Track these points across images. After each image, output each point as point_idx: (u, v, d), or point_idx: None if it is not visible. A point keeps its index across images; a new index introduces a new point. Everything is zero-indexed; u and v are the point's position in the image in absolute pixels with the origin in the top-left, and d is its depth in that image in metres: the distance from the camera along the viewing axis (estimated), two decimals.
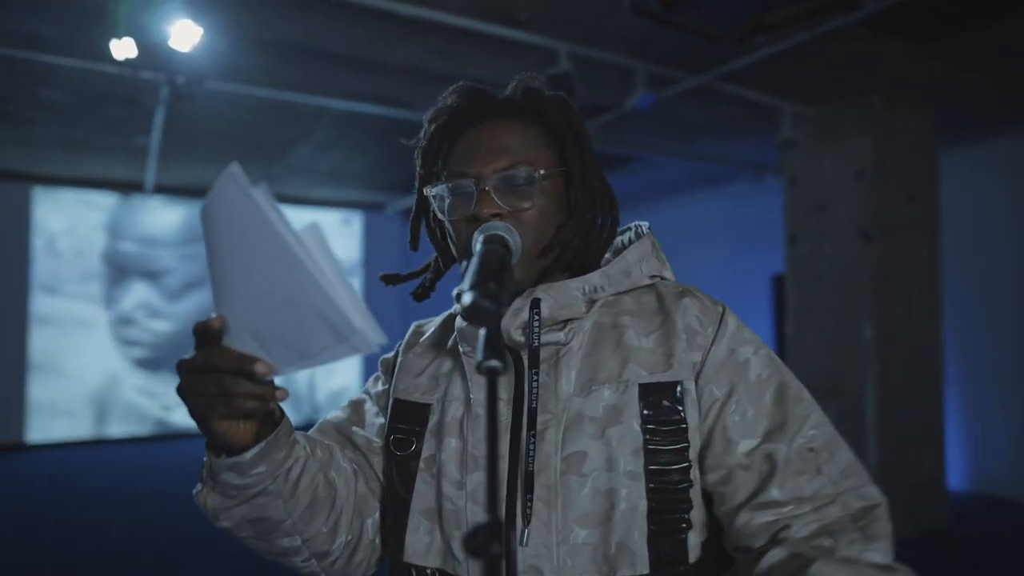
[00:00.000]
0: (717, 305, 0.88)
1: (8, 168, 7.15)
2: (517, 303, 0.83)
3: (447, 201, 0.86)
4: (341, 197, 8.74)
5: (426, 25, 3.51)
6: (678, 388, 0.81)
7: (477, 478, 0.81)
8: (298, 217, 9.09)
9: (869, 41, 3.66)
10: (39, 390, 7.63)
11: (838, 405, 4.58)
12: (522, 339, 0.82)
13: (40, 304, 7.70)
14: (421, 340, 0.97)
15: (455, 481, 0.82)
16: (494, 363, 0.58)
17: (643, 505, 0.77)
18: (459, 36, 3.69)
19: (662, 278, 0.92)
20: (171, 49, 3.14)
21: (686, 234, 8.21)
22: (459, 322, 0.87)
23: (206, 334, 0.67)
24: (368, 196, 8.85)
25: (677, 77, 4.14)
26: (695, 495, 0.80)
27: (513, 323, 0.82)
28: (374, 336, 0.63)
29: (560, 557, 0.77)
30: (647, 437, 0.79)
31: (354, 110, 4.81)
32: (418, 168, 0.92)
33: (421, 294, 0.97)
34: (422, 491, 0.84)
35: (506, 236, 0.78)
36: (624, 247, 0.94)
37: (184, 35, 3.07)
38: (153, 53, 3.33)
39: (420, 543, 0.83)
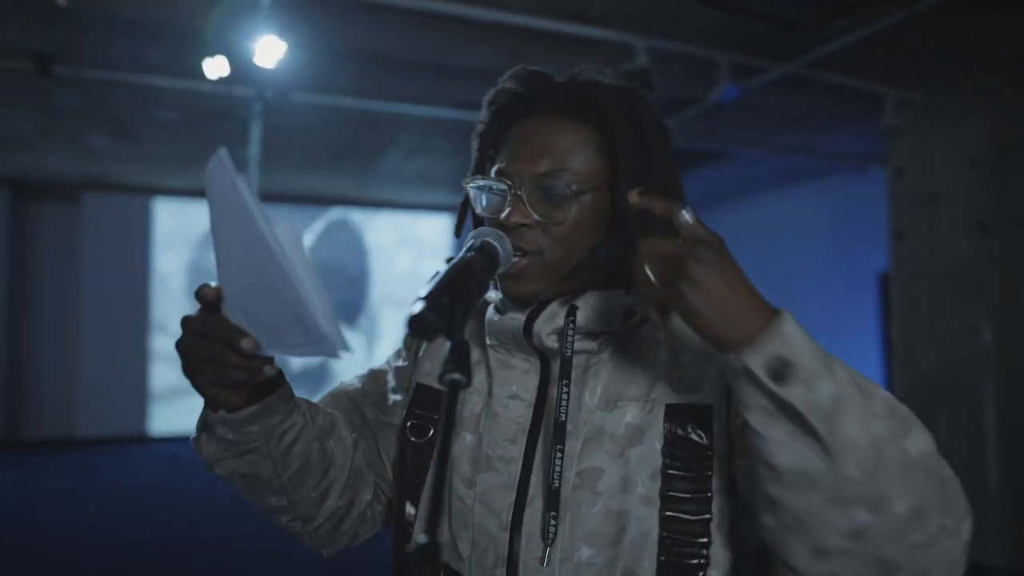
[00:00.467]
0: None
1: (131, 182, 7.82)
2: (552, 308, 0.80)
3: (485, 197, 0.83)
4: (432, 200, 8.94)
5: (497, 27, 3.51)
6: (707, 413, 0.75)
7: (488, 479, 0.79)
8: (397, 221, 9.29)
9: (982, 16, 3.33)
10: (160, 379, 8.26)
11: (949, 413, 4.20)
12: (555, 346, 0.79)
13: (159, 308, 8.35)
14: None
15: (466, 479, 0.80)
16: (456, 376, 0.57)
17: (655, 533, 0.72)
18: (531, 36, 3.67)
19: None
20: (257, 65, 3.30)
21: (785, 231, 7.82)
22: (490, 313, 0.84)
23: (204, 300, 0.69)
24: (458, 199, 8.99)
25: (763, 67, 3.93)
26: (718, 530, 0.73)
27: (545, 328, 0.79)
28: (340, 345, 0.64)
29: (562, 574, 0.74)
30: (667, 461, 0.74)
31: (433, 115, 4.90)
32: (474, 151, 0.89)
33: None
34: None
35: (495, 244, 0.75)
36: None
37: (268, 51, 3.22)
38: (244, 70, 3.52)
39: (456, 529, 0.81)
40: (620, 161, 0.78)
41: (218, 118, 5.23)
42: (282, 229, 0.63)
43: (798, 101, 4.71)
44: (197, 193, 8.18)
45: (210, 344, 0.68)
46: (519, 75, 0.84)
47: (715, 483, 0.73)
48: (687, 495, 0.73)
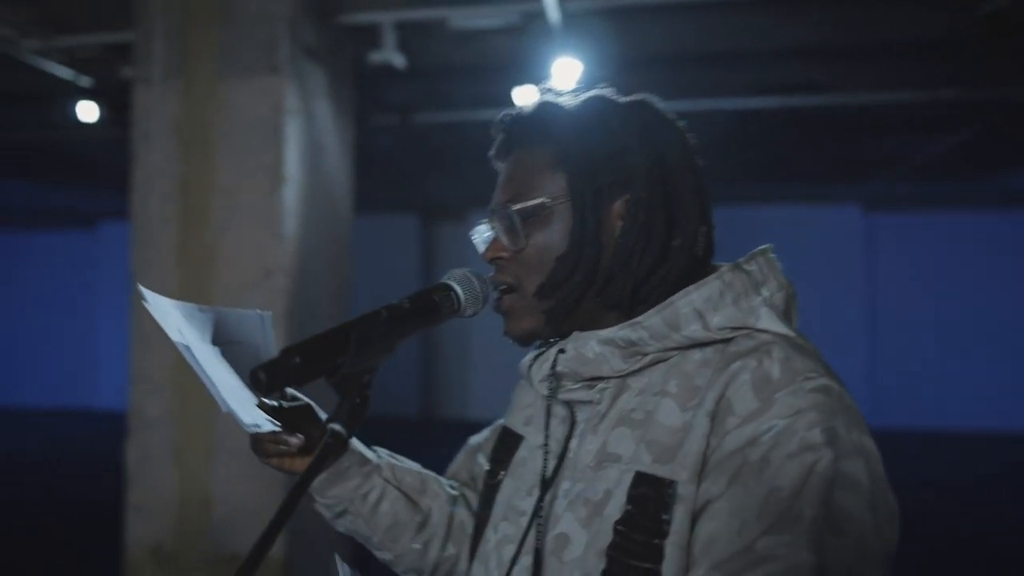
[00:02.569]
0: (795, 377, 0.63)
1: (447, 201, 8.99)
2: (550, 352, 0.77)
3: (474, 241, 0.85)
4: (755, 193, 8.32)
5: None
6: (670, 490, 0.64)
7: (504, 529, 0.79)
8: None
9: None
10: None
11: None
12: (547, 393, 0.77)
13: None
14: None
15: (494, 525, 0.81)
16: (335, 426, 0.60)
17: None
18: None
19: (757, 329, 0.69)
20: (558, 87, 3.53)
21: None
22: (524, 361, 0.83)
23: None
24: (805, 190, 8.21)
25: None
26: None
27: (537, 375, 0.78)
28: (247, 418, 0.76)
29: None
30: (616, 540, 0.65)
31: (746, 107, 4.57)
32: None
33: None
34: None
35: (454, 286, 0.74)
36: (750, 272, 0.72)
37: (566, 73, 3.41)
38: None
39: (478, 573, 0.83)
40: (571, 168, 0.74)
41: None
42: (186, 327, 0.71)
43: None
44: None
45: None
46: (496, 124, 0.84)
47: (665, 572, 0.62)
48: None
